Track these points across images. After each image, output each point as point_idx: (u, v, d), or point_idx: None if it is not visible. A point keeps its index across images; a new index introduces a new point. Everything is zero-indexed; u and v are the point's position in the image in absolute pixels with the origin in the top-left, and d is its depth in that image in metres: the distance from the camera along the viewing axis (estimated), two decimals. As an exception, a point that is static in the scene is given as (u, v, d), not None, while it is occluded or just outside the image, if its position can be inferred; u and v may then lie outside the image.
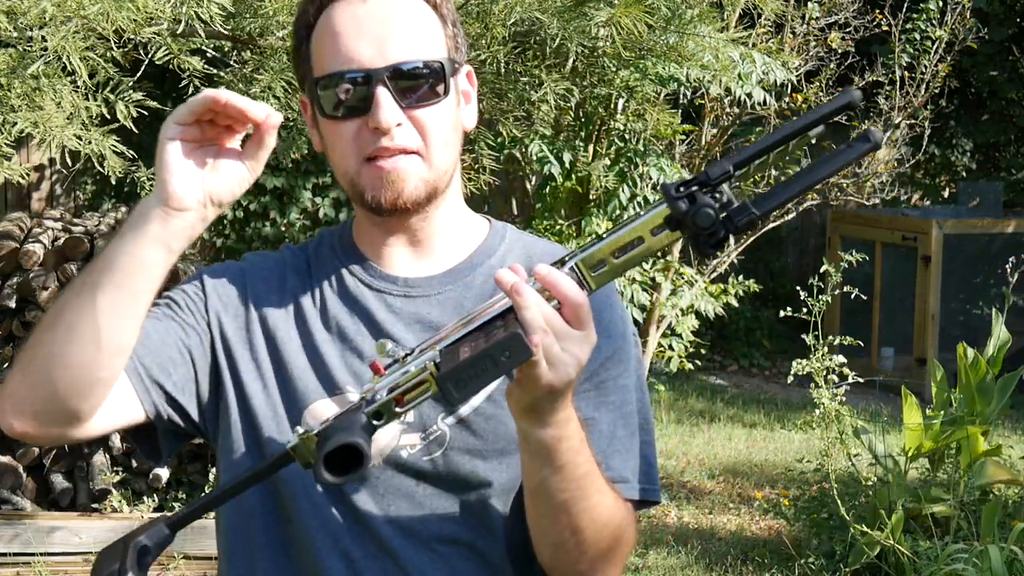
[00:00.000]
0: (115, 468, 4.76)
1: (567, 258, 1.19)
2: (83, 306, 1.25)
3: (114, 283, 1.25)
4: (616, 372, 1.42)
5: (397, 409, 1.17)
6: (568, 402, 1.22)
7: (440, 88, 1.36)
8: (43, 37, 3.21)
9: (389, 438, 1.39)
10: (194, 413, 1.42)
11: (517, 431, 1.26)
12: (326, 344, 1.42)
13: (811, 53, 5.87)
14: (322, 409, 1.38)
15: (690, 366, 5.62)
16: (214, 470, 4.65)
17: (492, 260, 1.46)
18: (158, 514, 4.58)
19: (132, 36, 3.26)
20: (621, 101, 4.86)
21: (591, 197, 4.92)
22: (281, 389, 1.41)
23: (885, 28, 6.57)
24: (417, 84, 1.35)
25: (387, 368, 1.19)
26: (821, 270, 4.39)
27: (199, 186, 1.26)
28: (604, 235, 1.18)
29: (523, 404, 1.21)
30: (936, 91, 6.75)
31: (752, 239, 6.20)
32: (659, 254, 5.34)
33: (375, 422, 1.17)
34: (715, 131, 5.70)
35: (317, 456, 1.14)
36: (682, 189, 1.13)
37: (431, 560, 1.38)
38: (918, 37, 6.63)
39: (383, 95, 1.32)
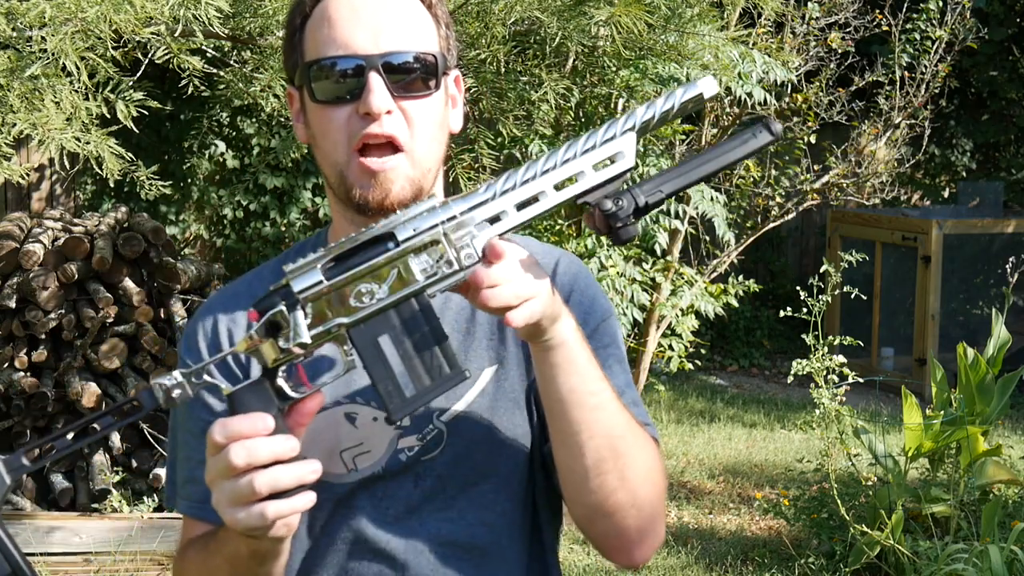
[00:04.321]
0: (115, 468, 4.76)
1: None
2: None
3: None
4: (606, 340, 1.45)
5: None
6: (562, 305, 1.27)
7: (432, 82, 1.36)
8: (42, 38, 3.21)
9: (387, 443, 1.40)
10: None
11: (536, 359, 1.29)
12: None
13: (811, 53, 5.87)
14: (302, 436, 1.40)
15: (690, 366, 5.62)
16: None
17: None
18: (157, 514, 4.58)
19: (132, 36, 3.26)
20: (621, 101, 4.86)
21: (591, 197, 4.91)
22: None
23: (885, 28, 6.57)
24: (409, 75, 1.35)
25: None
26: (821, 270, 4.39)
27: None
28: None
29: (532, 331, 1.24)
30: (936, 91, 6.76)
31: (752, 239, 6.20)
32: (659, 254, 5.34)
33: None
34: (715, 131, 5.70)
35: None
36: (620, 202, 1.18)
37: (428, 563, 1.39)
38: (918, 37, 6.64)
39: (375, 81, 1.32)
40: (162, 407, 1.17)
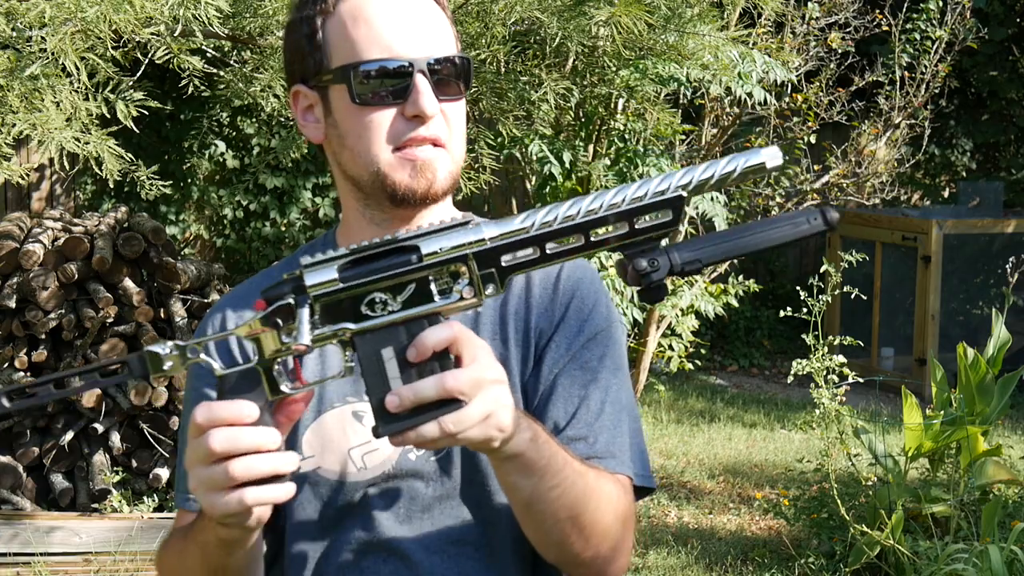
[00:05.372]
0: (115, 468, 4.76)
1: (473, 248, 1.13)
2: None
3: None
4: (600, 352, 1.42)
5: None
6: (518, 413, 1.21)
7: (462, 84, 1.38)
8: (42, 38, 3.21)
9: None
10: None
11: (492, 465, 1.26)
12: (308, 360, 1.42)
13: (811, 53, 5.87)
14: (311, 436, 1.41)
15: (690, 366, 5.62)
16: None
17: None
18: (157, 514, 4.58)
19: (132, 36, 3.26)
20: (621, 101, 4.86)
21: (591, 197, 4.91)
22: None
23: (885, 28, 6.57)
24: (448, 78, 1.36)
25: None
26: (821, 270, 4.39)
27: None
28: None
29: (483, 448, 1.20)
30: (936, 91, 6.75)
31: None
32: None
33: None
34: (715, 131, 5.70)
35: None
36: (656, 262, 1.12)
37: (441, 561, 1.40)
38: (918, 37, 6.63)
39: (424, 84, 1.33)
40: (150, 375, 1.14)
